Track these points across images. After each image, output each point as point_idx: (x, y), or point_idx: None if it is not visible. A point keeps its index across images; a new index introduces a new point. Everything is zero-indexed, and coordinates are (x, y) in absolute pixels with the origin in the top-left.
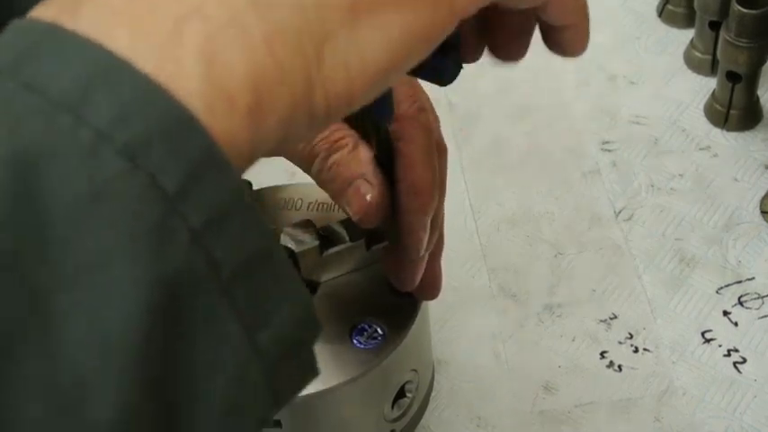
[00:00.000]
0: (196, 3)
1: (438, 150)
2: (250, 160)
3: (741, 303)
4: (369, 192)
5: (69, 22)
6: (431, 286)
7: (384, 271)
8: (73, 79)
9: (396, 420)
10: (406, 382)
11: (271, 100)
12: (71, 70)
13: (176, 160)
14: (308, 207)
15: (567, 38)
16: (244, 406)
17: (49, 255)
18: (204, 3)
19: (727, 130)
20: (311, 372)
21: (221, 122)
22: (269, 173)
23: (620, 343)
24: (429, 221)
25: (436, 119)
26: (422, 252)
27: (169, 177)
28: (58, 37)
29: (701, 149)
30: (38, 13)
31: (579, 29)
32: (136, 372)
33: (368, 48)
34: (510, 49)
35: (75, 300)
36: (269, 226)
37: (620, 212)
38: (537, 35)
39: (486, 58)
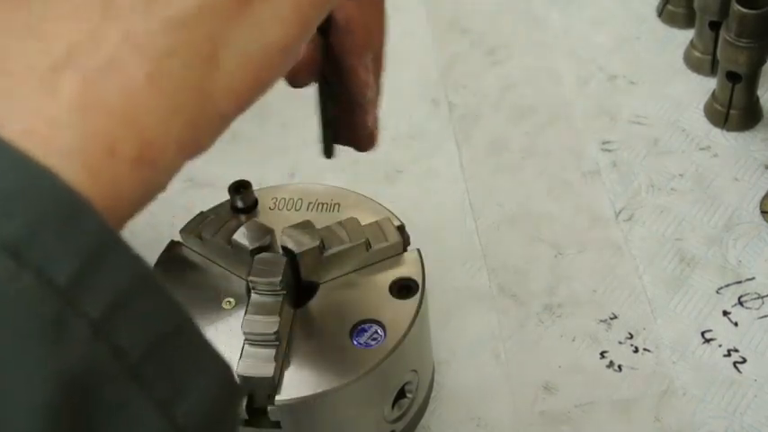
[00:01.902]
0: (66, 49)
1: None
2: (152, 193)
3: (741, 303)
4: None
5: None
6: (370, 135)
7: (340, 137)
8: None
9: (396, 421)
10: (406, 383)
11: (163, 136)
12: None
13: (65, 250)
14: (308, 207)
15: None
16: None
17: None
18: (75, 47)
19: (728, 129)
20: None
21: (106, 177)
22: (269, 173)
23: (620, 343)
24: (369, 60)
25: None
26: (368, 95)
27: (59, 270)
28: None
29: (701, 149)
30: None
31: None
32: None
33: (266, 30)
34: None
35: None
36: (175, 300)
37: (620, 212)
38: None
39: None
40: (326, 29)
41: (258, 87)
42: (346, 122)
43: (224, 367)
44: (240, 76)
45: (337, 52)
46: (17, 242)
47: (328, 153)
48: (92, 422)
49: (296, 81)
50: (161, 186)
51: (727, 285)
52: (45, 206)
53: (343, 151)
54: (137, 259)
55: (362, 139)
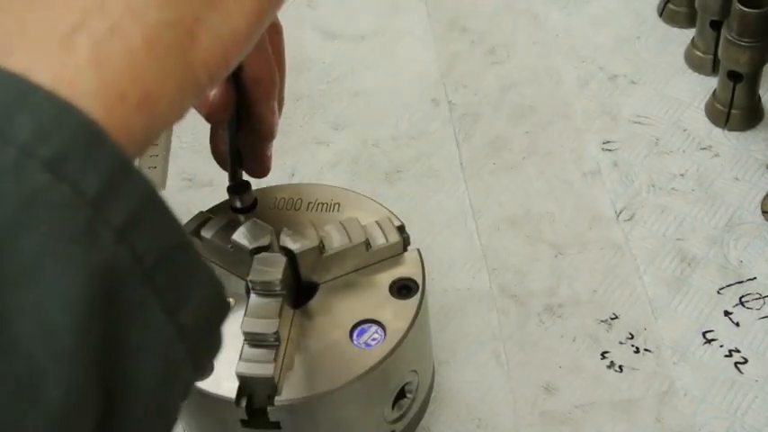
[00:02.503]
0: (79, 17)
1: (272, 31)
2: (149, 139)
3: (742, 303)
4: (212, 90)
5: None
6: (266, 165)
7: (244, 164)
8: None
9: (396, 421)
10: (407, 383)
11: (158, 90)
12: None
13: (93, 170)
14: (308, 207)
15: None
16: (172, 380)
17: None
18: (86, 16)
19: (729, 129)
20: (220, 342)
21: (118, 117)
22: (269, 173)
23: (620, 343)
24: (275, 105)
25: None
26: (275, 134)
27: (89, 185)
28: None
29: (702, 149)
30: None
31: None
32: (81, 357)
33: (233, 18)
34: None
35: (21, 298)
36: (179, 220)
37: (620, 212)
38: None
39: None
40: (238, 80)
41: (225, 65)
42: (247, 154)
43: (217, 281)
44: (213, 52)
45: (247, 100)
46: (54, 160)
47: (237, 188)
48: (115, 319)
49: (211, 117)
50: (156, 133)
51: (729, 285)
52: (75, 133)
53: (343, 151)
54: (148, 181)
55: (259, 169)
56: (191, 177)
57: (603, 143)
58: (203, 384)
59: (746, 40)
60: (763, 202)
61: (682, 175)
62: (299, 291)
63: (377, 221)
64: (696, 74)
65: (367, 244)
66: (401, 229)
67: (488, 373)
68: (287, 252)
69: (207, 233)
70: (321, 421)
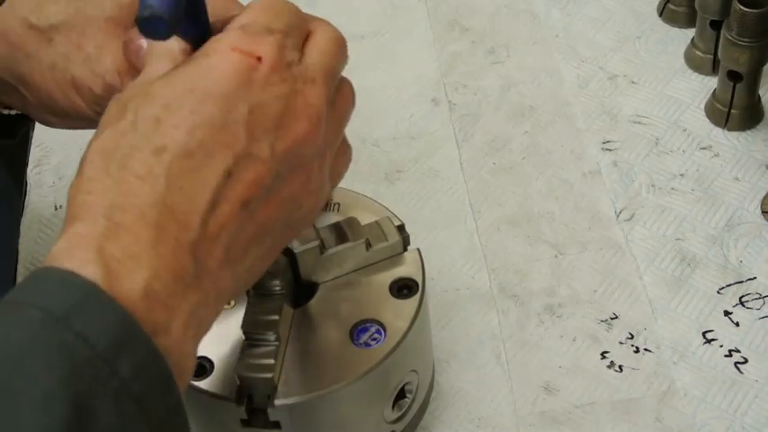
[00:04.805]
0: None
1: None
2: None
3: (742, 303)
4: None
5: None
6: None
7: None
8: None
9: (396, 421)
10: (406, 383)
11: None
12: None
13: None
14: None
15: None
16: None
17: None
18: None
19: (729, 129)
20: None
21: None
22: None
23: (620, 343)
24: None
25: None
26: None
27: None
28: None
29: (701, 149)
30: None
31: None
32: None
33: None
34: None
35: None
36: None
37: (620, 212)
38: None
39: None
40: None
41: None
42: None
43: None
44: None
45: None
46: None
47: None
48: None
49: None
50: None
51: (728, 285)
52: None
53: None
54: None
55: None
56: None
57: (603, 143)
58: (203, 384)
59: (746, 40)
60: (762, 202)
61: (682, 175)
62: (298, 290)
63: (377, 221)
64: (696, 74)
65: (367, 244)
66: (401, 228)
67: (488, 373)
68: (287, 252)
69: None
70: (321, 421)
